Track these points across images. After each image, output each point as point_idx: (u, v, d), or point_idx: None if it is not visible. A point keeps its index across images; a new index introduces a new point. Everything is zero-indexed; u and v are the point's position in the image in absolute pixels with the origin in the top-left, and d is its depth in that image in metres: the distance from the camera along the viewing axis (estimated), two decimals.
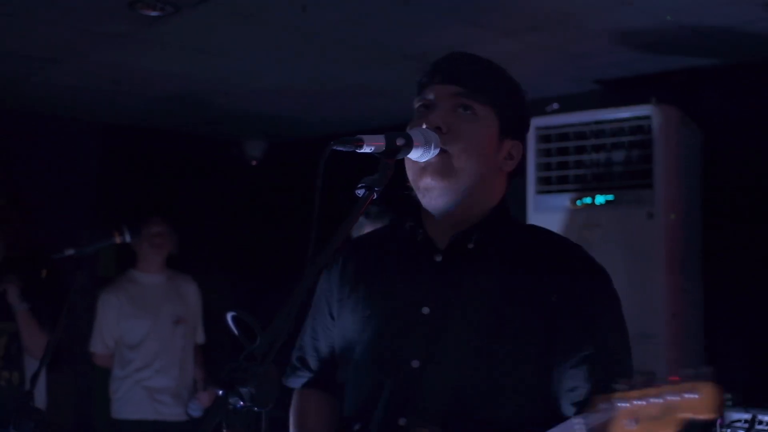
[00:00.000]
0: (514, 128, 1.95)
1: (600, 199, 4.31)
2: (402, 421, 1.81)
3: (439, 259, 1.90)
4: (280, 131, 6.75)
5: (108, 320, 4.85)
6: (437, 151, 1.80)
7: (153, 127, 6.61)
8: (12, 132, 5.97)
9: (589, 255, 1.91)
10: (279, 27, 4.09)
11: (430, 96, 1.90)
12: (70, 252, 3.47)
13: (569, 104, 4.56)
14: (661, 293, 4.09)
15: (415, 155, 1.78)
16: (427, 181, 1.85)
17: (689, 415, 1.42)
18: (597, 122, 4.36)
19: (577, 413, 1.59)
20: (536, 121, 4.51)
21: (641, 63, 4.59)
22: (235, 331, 1.45)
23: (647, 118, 4.20)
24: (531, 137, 4.50)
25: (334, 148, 1.61)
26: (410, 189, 1.95)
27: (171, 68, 4.88)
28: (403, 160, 1.86)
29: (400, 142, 1.70)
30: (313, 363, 2.12)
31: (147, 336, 4.78)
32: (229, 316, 1.45)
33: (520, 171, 1.97)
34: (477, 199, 1.90)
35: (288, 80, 5.15)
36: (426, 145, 1.77)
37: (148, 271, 4.95)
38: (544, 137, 4.50)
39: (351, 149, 1.63)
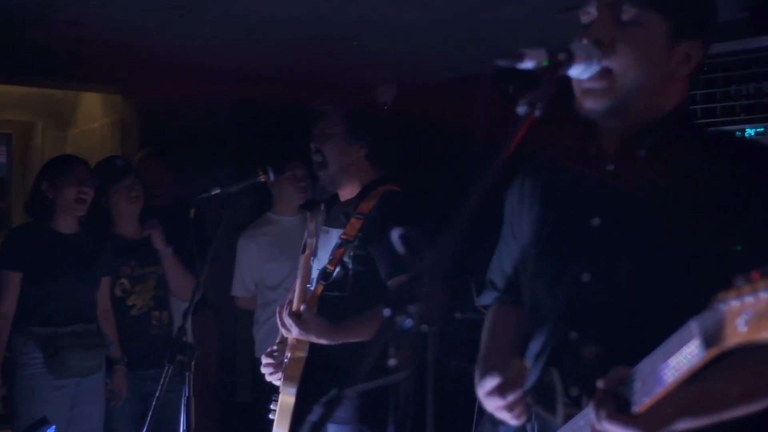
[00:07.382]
0: (689, 28, 1.79)
1: (749, 131, 4.16)
2: (573, 336, 1.80)
3: (611, 168, 1.84)
4: (413, 75, 6.67)
5: (249, 265, 4.96)
6: (599, 66, 1.73)
7: (285, 74, 6.64)
8: (149, 83, 6.13)
9: None
10: None
11: (591, 8, 1.81)
12: (216, 191, 3.54)
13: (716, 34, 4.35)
14: None
15: (576, 71, 1.72)
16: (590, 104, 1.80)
17: None
18: (745, 51, 4.19)
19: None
20: None
21: None
22: (401, 249, 1.43)
23: None
24: None
25: (497, 64, 1.57)
26: None
27: (301, 12, 4.85)
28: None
29: (561, 56, 1.65)
30: (499, 282, 2.19)
31: (287, 277, 4.83)
32: (395, 233, 1.43)
33: (700, 72, 1.86)
34: (648, 106, 1.80)
35: (422, 22, 5.05)
36: (588, 59, 1.71)
37: (285, 214, 5.02)
38: None
39: (512, 64, 1.58)
